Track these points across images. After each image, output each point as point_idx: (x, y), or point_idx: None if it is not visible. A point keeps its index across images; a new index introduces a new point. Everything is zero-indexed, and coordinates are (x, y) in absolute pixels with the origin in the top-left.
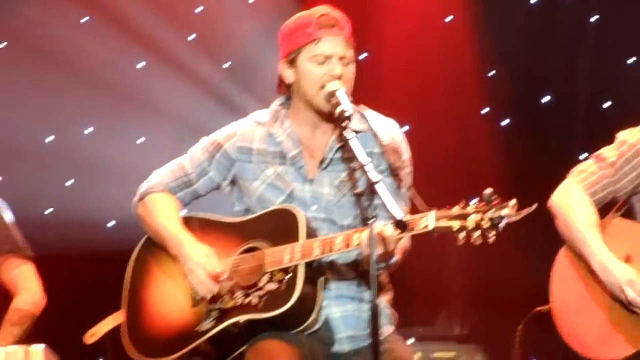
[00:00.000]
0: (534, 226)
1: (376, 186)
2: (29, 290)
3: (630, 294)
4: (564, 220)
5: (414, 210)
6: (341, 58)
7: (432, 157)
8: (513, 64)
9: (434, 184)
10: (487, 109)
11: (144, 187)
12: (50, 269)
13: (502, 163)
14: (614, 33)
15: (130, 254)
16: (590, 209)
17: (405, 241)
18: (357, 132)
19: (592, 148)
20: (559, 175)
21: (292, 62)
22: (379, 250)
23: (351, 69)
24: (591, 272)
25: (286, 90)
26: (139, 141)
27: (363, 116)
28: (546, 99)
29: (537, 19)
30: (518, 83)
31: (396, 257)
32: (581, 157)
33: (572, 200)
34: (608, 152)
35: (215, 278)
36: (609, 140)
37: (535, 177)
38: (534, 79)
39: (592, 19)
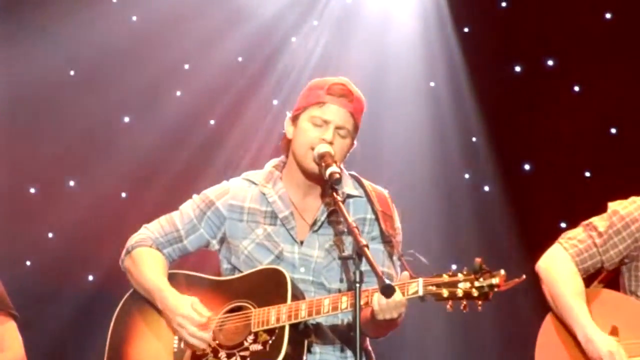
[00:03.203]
0: (515, 292)
1: (364, 249)
2: (12, 349)
3: None
4: (550, 286)
5: None
6: (338, 128)
7: (414, 222)
8: (495, 131)
9: (416, 249)
10: (468, 175)
11: (132, 240)
12: (30, 319)
13: (484, 229)
14: (596, 102)
15: (111, 308)
16: (577, 278)
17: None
18: (351, 196)
19: (572, 217)
20: (539, 244)
21: (295, 119)
22: (381, 317)
23: (346, 142)
24: (576, 341)
25: (286, 147)
26: (122, 195)
27: (358, 182)
28: (527, 166)
29: (520, 86)
30: (500, 150)
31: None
32: (562, 225)
33: (559, 267)
34: (599, 221)
35: (205, 327)
36: (590, 209)
37: (516, 245)
38: (516, 147)
39: (576, 88)
